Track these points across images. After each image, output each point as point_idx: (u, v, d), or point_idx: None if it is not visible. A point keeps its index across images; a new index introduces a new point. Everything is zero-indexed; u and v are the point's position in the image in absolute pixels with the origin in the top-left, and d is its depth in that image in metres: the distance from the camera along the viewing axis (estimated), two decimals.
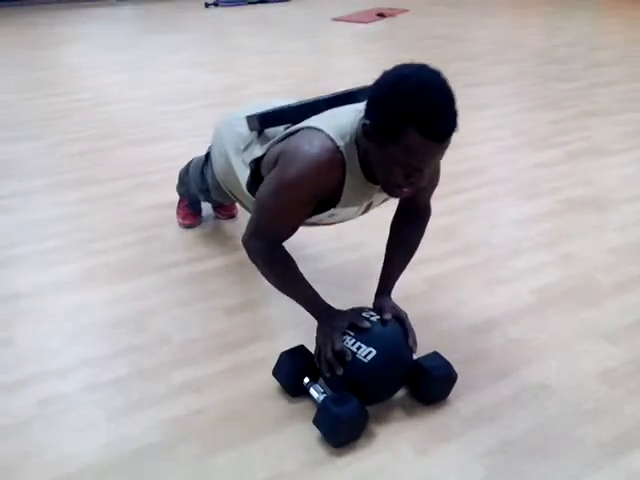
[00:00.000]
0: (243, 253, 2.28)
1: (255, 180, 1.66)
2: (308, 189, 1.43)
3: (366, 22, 6.85)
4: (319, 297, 1.58)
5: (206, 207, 2.58)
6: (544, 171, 3.01)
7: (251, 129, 1.69)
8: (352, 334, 1.52)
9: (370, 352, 1.49)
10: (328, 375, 1.52)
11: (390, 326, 1.56)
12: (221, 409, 1.61)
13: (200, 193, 2.26)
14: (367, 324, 1.51)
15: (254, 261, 1.59)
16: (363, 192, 1.52)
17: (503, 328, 1.90)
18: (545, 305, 2.01)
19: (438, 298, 2.05)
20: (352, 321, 1.52)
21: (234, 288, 2.12)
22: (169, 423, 1.57)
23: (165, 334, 1.89)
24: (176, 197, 2.67)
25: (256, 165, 1.65)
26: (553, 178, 2.93)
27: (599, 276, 2.15)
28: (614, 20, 6.70)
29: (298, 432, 1.53)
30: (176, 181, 2.51)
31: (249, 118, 1.70)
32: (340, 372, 1.48)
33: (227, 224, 2.55)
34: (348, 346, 1.50)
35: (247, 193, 1.73)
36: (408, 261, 1.70)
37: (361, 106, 1.43)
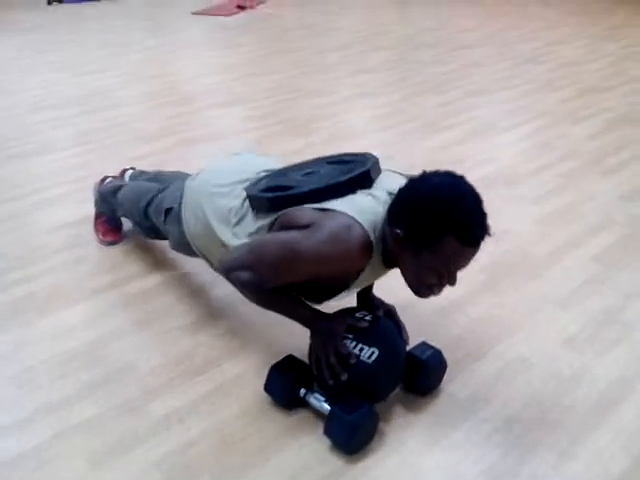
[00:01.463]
0: (181, 267, 2.17)
1: None
2: (321, 271, 1.40)
3: (227, 15, 6.70)
4: (308, 306, 1.53)
5: (125, 220, 2.38)
6: (444, 154, 3.14)
7: (254, 208, 1.56)
8: (351, 336, 1.47)
9: (373, 352, 1.45)
10: (331, 382, 1.46)
11: (384, 322, 1.54)
12: (215, 436, 1.50)
13: (140, 228, 2.10)
14: (365, 324, 1.48)
15: (239, 289, 1.51)
16: (377, 275, 1.51)
17: (464, 309, 1.96)
18: (495, 282, 2.09)
19: (390, 288, 2.06)
20: (349, 323, 1.48)
21: (183, 304, 1.98)
22: (164, 461, 1.43)
23: (126, 363, 1.72)
24: (85, 212, 2.46)
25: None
26: (455, 160, 3.05)
27: (533, 249, 2.28)
28: (470, 4, 7.12)
29: (306, 446, 1.47)
30: (78, 195, 2.30)
31: (255, 197, 1.55)
32: (345, 377, 1.44)
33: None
34: (350, 349, 1.46)
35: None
36: None
37: (383, 196, 1.42)
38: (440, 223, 1.27)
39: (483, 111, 3.72)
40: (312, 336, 1.51)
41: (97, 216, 2.33)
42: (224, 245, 1.60)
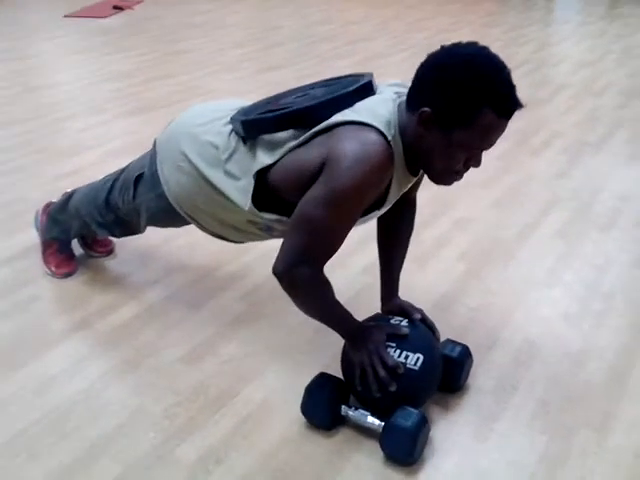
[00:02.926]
0: (157, 292, 2.02)
1: (260, 193, 1.42)
2: (367, 196, 1.28)
3: (104, 16, 6.31)
4: (351, 315, 1.46)
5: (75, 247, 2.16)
6: None
7: (251, 135, 1.41)
8: (394, 345, 1.43)
9: (418, 358, 1.42)
10: (378, 395, 1.41)
11: (420, 326, 1.51)
12: (264, 473, 1.39)
13: (100, 228, 1.86)
14: (406, 330, 1.44)
15: (294, 293, 1.38)
16: (403, 186, 1.41)
17: (460, 300, 1.98)
18: (477, 270, 2.13)
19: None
20: (389, 331, 1.44)
21: (173, 333, 1.83)
22: None
23: (134, 409, 1.56)
24: (23, 244, 2.23)
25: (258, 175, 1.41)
26: None
27: (499, 234, 2.35)
28: None
29: (361, 465, 1.41)
30: (13, 223, 2.05)
31: (254, 121, 1.41)
32: (394, 388, 1.39)
33: (109, 262, 2.17)
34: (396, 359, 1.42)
35: (223, 213, 1.50)
36: (405, 257, 1.65)
37: (388, 94, 1.35)
38: (477, 95, 1.20)
39: None
40: (354, 348, 1.44)
41: (46, 246, 2.09)
42: (216, 190, 1.46)
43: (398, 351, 1.42)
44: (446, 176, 1.34)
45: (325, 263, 1.37)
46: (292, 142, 1.35)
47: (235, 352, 1.76)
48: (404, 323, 1.48)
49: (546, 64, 4.62)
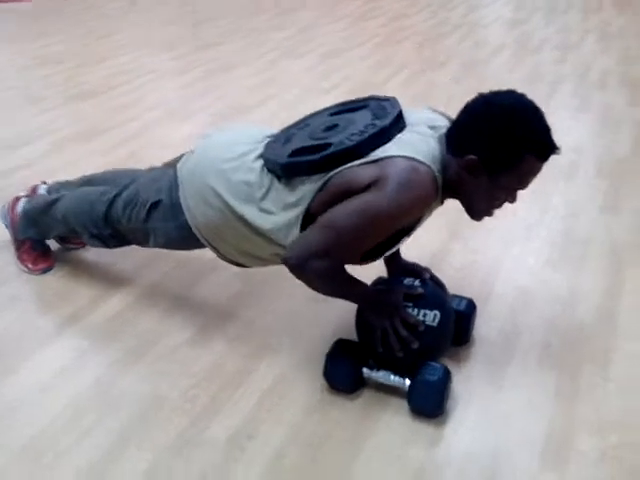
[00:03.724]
0: (144, 279, 1.97)
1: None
2: (403, 221, 1.34)
3: (24, 0, 5.94)
4: (365, 285, 1.48)
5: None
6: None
7: (287, 175, 1.41)
8: (411, 304, 1.46)
9: (436, 315, 1.46)
10: (400, 354, 1.44)
11: (430, 284, 1.55)
12: (298, 442, 1.40)
13: (93, 239, 1.79)
14: (421, 289, 1.48)
15: (307, 279, 1.40)
16: (431, 212, 1.45)
17: (446, 260, 2.03)
18: (456, 231, 2.19)
19: None
20: (405, 292, 1.47)
21: (172, 318, 1.79)
22: None
23: (152, 396, 1.52)
24: None
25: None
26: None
27: None
28: None
29: (391, 423, 1.44)
30: None
31: (290, 164, 1.40)
32: (416, 346, 1.43)
33: (86, 254, 2.09)
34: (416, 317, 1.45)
35: (250, 247, 1.51)
36: None
37: (423, 128, 1.38)
38: (520, 144, 1.28)
39: (358, 67, 3.79)
40: (373, 312, 1.46)
41: (19, 244, 1.99)
42: (248, 225, 1.45)
43: (416, 310, 1.46)
44: (484, 214, 1.43)
45: (346, 263, 1.40)
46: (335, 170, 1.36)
47: (241, 330, 1.75)
48: (417, 283, 1.51)
49: (478, 26, 4.73)
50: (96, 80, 3.67)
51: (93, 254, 2.09)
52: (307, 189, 1.39)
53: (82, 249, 2.10)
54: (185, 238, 1.60)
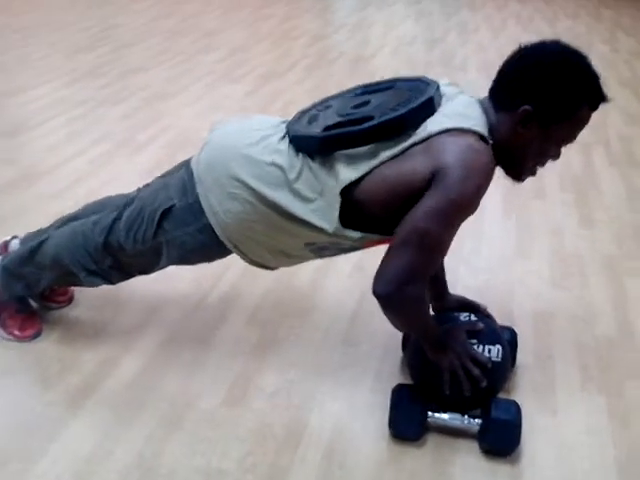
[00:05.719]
0: (151, 336, 1.84)
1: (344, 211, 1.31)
2: (479, 200, 1.25)
3: None
4: (435, 321, 1.43)
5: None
6: None
7: (320, 152, 1.31)
8: (475, 341, 1.44)
9: (499, 350, 1.45)
10: (468, 394, 1.41)
11: (484, 318, 1.54)
12: None
13: (91, 276, 1.59)
14: (481, 325, 1.46)
15: (402, 312, 1.30)
16: None
17: (462, 280, 2.03)
18: (458, 247, 2.20)
19: None
20: (467, 329, 1.44)
21: (198, 377, 1.64)
22: None
23: (207, 472, 1.38)
24: None
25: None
26: None
27: None
28: None
29: (468, 465, 1.41)
30: None
31: (322, 138, 1.30)
32: (485, 384, 1.40)
33: (74, 312, 1.87)
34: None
35: (281, 238, 1.39)
36: None
37: (464, 96, 1.33)
38: (579, 91, 1.25)
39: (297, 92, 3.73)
40: (440, 353, 1.41)
41: (2, 309, 1.75)
42: (282, 212, 1.34)
43: (481, 346, 1.43)
44: (530, 172, 1.38)
45: (430, 274, 1.34)
46: (384, 153, 1.27)
47: (276, 382, 1.64)
48: (473, 318, 1.49)
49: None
50: (25, 114, 3.36)
51: (82, 310, 1.89)
52: (347, 171, 1.29)
53: (66, 306, 1.90)
54: (205, 245, 1.45)
